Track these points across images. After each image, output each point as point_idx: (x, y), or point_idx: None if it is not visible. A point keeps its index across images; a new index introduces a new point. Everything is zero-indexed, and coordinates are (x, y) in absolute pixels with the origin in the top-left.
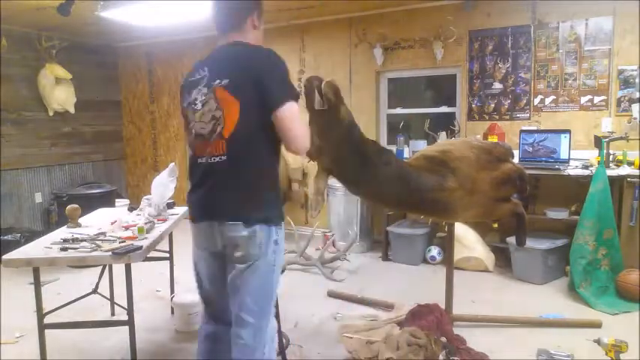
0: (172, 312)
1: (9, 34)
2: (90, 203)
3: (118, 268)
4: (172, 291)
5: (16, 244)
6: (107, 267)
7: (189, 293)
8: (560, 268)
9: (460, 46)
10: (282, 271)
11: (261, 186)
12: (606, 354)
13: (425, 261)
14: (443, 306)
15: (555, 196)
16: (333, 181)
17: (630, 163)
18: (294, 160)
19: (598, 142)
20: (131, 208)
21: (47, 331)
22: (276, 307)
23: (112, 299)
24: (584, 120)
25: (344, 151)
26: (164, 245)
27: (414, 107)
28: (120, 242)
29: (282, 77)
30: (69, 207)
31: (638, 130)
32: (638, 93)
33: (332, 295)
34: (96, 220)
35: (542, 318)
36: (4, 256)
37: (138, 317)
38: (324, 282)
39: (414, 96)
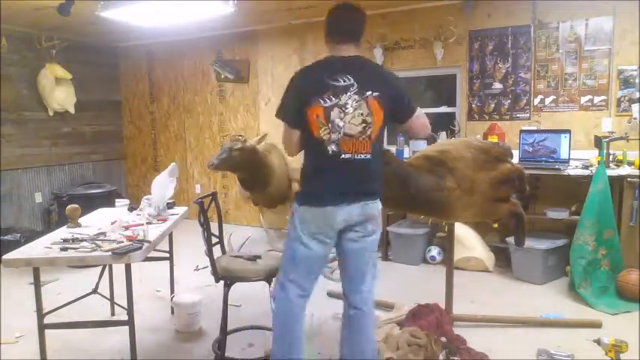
0: (172, 312)
1: (9, 34)
2: (90, 203)
3: (118, 268)
4: (172, 291)
5: (16, 244)
6: (107, 267)
7: (189, 293)
8: (560, 268)
9: (460, 46)
10: None
11: (381, 177)
12: (606, 354)
13: (425, 261)
14: (443, 306)
15: (555, 196)
16: None
17: (630, 163)
18: (294, 160)
19: (598, 142)
20: (131, 208)
21: (47, 331)
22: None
23: (112, 299)
24: (584, 120)
25: None
26: (164, 245)
27: None
28: (119, 242)
29: (407, 93)
30: (69, 207)
31: (638, 130)
32: (638, 93)
33: (332, 295)
34: (96, 220)
35: (542, 318)
36: (4, 256)
37: (138, 317)
38: (324, 282)
39: (414, 96)
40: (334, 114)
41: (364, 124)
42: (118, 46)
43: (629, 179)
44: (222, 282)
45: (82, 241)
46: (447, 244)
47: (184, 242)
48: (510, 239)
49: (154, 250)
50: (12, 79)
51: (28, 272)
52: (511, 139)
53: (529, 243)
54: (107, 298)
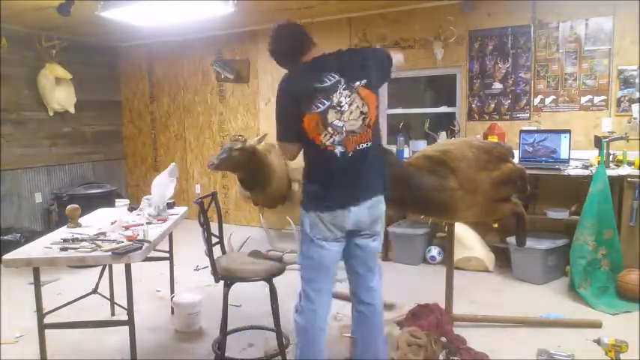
0: (172, 312)
1: (9, 34)
2: (90, 203)
3: (118, 268)
4: (172, 291)
5: (16, 244)
6: (107, 267)
7: (189, 293)
8: (560, 268)
9: (460, 46)
10: (283, 272)
11: (382, 162)
12: (606, 354)
13: (425, 261)
14: (443, 306)
15: (555, 196)
16: None
17: (630, 163)
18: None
19: (598, 142)
20: (131, 208)
21: (47, 331)
22: (276, 306)
23: (112, 299)
24: (584, 120)
25: None
26: (164, 245)
27: (414, 107)
28: (119, 242)
29: (384, 52)
30: (69, 207)
31: (638, 130)
32: (638, 93)
33: (332, 295)
34: (96, 220)
35: (542, 318)
36: (4, 256)
37: (138, 317)
38: None
39: (414, 96)
40: (331, 116)
41: (363, 116)
42: (118, 46)
43: (629, 179)
44: (222, 282)
45: (82, 241)
46: (447, 244)
47: (184, 242)
48: (510, 239)
49: (154, 250)
50: (12, 79)
51: (28, 272)
52: (511, 139)
53: (529, 243)
54: (107, 298)
